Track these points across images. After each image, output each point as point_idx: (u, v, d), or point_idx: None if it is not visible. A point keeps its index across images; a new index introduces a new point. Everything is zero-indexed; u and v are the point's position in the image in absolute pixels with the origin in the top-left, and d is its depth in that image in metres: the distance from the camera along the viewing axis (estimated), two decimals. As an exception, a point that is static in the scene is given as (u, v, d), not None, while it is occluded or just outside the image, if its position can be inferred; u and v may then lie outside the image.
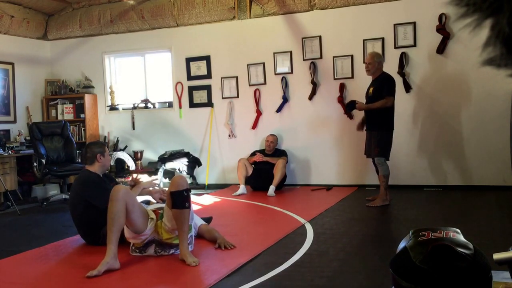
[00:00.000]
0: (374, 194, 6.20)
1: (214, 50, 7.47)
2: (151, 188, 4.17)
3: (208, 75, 7.55)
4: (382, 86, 5.43)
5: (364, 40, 6.62)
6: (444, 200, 5.73)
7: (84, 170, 4.34)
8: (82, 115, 8.02)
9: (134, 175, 5.45)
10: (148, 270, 3.46)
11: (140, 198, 4.15)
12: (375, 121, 5.52)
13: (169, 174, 7.17)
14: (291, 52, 7.04)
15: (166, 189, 3.88)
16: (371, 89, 5.53)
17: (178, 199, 3.53)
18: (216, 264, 3.49)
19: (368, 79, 6.57)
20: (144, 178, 4.23)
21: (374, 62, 5.49)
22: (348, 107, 5.93)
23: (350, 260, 3.65)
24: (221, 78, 7.46)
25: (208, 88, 7.57)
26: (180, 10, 7.51)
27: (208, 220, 4.49)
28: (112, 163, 6.93)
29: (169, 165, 7.23)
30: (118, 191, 3.52)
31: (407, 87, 6.42)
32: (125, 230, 3.69)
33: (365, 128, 5.75)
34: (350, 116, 6.72)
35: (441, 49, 6.22)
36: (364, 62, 5.65)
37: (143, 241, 3.75)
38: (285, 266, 3.40)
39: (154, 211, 3.87)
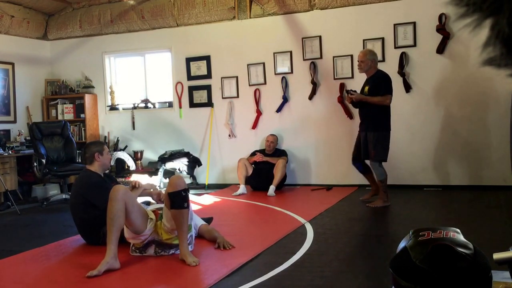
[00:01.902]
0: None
1: (214, 50, 7.47)
2: (151, 190, 4.17)
3: (208, 75, 7.55)
4: (379, 85, 5.26)
5: (364, 40, 6.62)
6: (444, 200, 5.73)
7: (84, 169, 4.34)
8: (82, 115, 8.02)
9: (134, 176, 5.44)
10: (148, 270, 3.46)
11: (140, 199, 4.15)
12: (371, 122, 5.31)
13: (169, 174, 7.16)
14: (291, 52, 7.04)
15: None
16: (367, 87, 5.36)
17: (177, 199, 3.53)
18: (216, 264, 3.49)
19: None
20: (144, 179, 4.22)
21: (367, 60, 5.30)
22: (348, 92, 5.59)
23: (350, 260, 3.65)
24: (221, 78, 7.46)
25: (208, 88, 7.57)
26: (180, 10, 7.51)
27: (208, 220, 4.50)
28: (112, 163, 6.92)
29: (169, 165, 7.24)
30: (118, 191, 3.53)
31: (407, 87, 6.42)
32: (124, 231, 3.69)
33: (358, 130, 5.57)
34: (350, 116, 6.72)
35: (441, 49, 6.23)
36: (358, 61, 5.46)
37: (142, 241, 3.75)
38: (285, 266, 3.40)
39: (154, 211, 3.87)
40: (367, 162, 5.55)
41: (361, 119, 5.49)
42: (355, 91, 5.42)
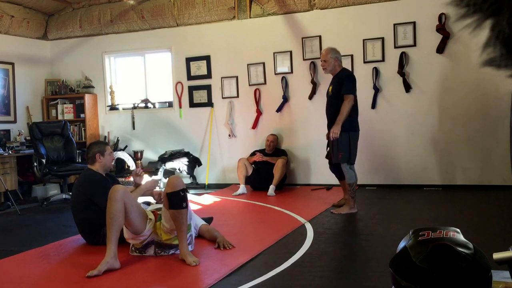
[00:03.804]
0: (373, 194, 6.21)
1: (214, 50, 7.47)
2: (156, 189, 4.20)
3: (208, 75, 7.55)
4: (341, 85, 5.00)
5: (364, 40, 6.62)
6: (444, 200, 5.73)
7: (86, 169, 4.36)
8: (82, 115, 8.02)
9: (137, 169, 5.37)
10: (148, 270, 3.46)
11: (140, 199, 4.16)
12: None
13: (169, 174, 7.17)
14: (291, 52, 7.04)
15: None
16: (330, 88, 5.13)
17: (175, 199, 3.53)
18: (216, 264, 3.50)
19: (370, 78, 6.61)
20: (144, 178, 4.26)
21: (330, 59, 5.06)
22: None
23: (350, 259, 3.66)
24: (221, 78, 7.46)
25: (208, 88, 7.57)
26: (180, 10, 7.52)
27: (208, 220, 4.50)
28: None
29: (169, 165, 7.24)
30: (117, 191, 3.54)
31: (407, 87, 6.42)
32: (124, 231, 3.69)
33: (327, 133, 5.27)
34: None
35: (441, 49, 6.23)
36: (321, 60, 5.23)
37: (142, 241, 3.75)
38: (285, 266, 3.41)
39: (153, 212, 3.87)
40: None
41: (329, 120, 5.24)
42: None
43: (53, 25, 8.28)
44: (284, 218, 5.01)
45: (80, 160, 7.01)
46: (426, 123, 6.43)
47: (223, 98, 7.47)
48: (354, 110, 5.07)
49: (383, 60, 6.54)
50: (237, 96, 7.40)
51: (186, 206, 3.58)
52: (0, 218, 5.81)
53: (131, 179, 4.52)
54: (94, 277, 3.28)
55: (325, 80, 6.86)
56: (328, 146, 5.38)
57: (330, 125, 5.20)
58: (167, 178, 3.72)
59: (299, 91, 7.03)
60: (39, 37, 8.30)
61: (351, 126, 5.04)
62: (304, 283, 3.10)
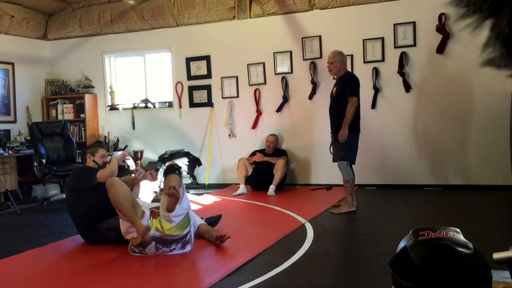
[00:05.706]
0: (373, 194, 6.22)
1: (214, 50, 7.47)
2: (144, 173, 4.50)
3: (208, 75, 7.55)
4: (345, 87, 5.13)
5: (364, 40, 6.62)
6: (444, 200, 5.73)
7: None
8: (82, 115, 8.02)
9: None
10: (148, 270, 3.46)
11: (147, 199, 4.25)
12: (339, 123, 5.13)
13: (169, 174, 7.17)
14: (291, 52, 7.04)
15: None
16: (334, 89, 5.26)
17: (170, 168, 3.90)
18: (216, 264, 3.50)
19: (370, 78, 6.61)
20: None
21: (336, 62, 5.21)
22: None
23: (350, 259, 3.66)
24: (221, 78, 7.46)
25: (208, 88, 7.57)
26: (180, 10, 7.52)
27: (217, 218, 4.56)
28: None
29: (169, 165, 7.24)
30: (113, 178, 3.87)
31: (407, 87, 6.42)
32: (120, 223, 3.75)
33: (330, 131, 5.38)
34: None
35: (441, 49, 6.23)
36: (328, 62, 5.34)
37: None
38: (285, 266, 3.41)
39: (152, 210, 3.88)
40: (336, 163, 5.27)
41: (332, 121, 5.31)
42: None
43: (53, 25, 8.28)
44: (284, 218, 5.02)
45: (80, 160, 7.00)
46: (426, 123, 6.43)
47: (223, 98, 7.47)
48: (357, 112, 5.16)
49: (383, 60, 6.54)
50: (237, 96, 7.40)
51: (179, 174, 3.89)
52: (0, 218, 5.81)
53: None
54: (94, 277, 3.28)
55: (325, 80, 6.87)
56: (331, 146, 5.41)
57: (333, 126, 5.28)
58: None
59: (299, 91, 7.03)
60: (39, 37, 8.29)
61: (352, 127, 5.13)
62: (304, 283, 3.10)
